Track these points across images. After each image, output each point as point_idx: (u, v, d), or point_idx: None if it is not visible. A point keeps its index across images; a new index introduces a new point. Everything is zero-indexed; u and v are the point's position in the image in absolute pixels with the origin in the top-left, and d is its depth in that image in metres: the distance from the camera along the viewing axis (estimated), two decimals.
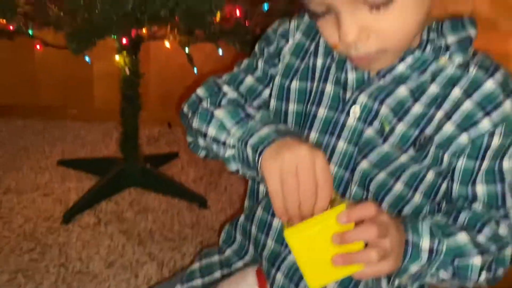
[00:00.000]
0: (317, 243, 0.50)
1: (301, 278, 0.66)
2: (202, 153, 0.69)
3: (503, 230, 0.60)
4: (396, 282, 0.57)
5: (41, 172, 1.66)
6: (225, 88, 0.68)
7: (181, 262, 1.30)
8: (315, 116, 0.66)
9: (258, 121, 0.60)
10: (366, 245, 0.51)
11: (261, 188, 0.73)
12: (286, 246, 0.67)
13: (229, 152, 0.61)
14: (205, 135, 0.64)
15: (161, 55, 1.95)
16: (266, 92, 0.71)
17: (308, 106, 0.67)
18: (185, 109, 0.70)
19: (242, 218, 0.75)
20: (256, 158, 0.55)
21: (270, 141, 0.55)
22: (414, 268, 0.56)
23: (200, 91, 0.70)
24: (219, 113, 0.62)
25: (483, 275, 0.59)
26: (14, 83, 2.00)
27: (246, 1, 1.37)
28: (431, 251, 0.56)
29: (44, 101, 2.05)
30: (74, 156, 1.78)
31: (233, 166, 0.62)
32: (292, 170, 0.51)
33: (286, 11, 1.34)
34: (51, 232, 1.36)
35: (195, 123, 0.65)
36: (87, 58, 1.42)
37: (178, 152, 1.85)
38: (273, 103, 0.70)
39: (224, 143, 0.61)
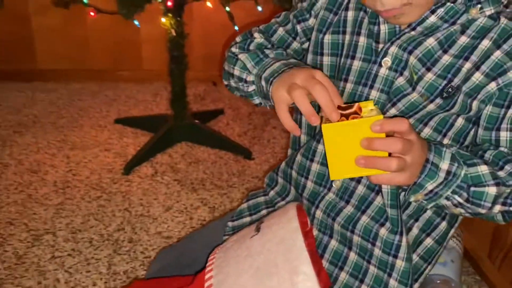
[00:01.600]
0: (347, 141, 0.54)
1: (337, 213, 0.69)
2: (236, 93, 0.77)
3: None
4: (412, 198, 0.60)
5: (100, 130, 1.79)
6: (256, 34, 0.75)
7: (230, 206, 1.41)
8: (349, 68, 0.68)
9: (271, 58, 0.67)
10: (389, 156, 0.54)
11: (302, 138, 0.77)
12: (324, 186, 0.71)
13: (251, 88, 0.69)
14: (232, 76, 0.72)
15: (203, 15, 1.99)
16: (294, 44, 0.75)
17: (342, 58, 0.69)
18: (225, 54, 0.78)
19: (283, 164, 0.80)
20: (268, 88, 0.62)
21: (280, 72, 0.62)
22: (429, 186, 0.58)
23: (238, 38, 0.78)
24: (242, 56, 0.70)
25: (498, 205, 0.60)
26: (69, 49, 2.12)
27: None
28: (448, 172, 0.58)
29: (96, 65, 2.16)
30: (128, 115, 1.90)
31: (256, 100, 0.70)
32: (296, 86, 0.57)
33: None
34: (114, 182, 1.50)
35: (226, 66, 0.74)
36: (136, 22, 1.50)
37: (223, 108, 1.94)
38: (309, 57, 0.73)
39: (246, 81, 0.69)
